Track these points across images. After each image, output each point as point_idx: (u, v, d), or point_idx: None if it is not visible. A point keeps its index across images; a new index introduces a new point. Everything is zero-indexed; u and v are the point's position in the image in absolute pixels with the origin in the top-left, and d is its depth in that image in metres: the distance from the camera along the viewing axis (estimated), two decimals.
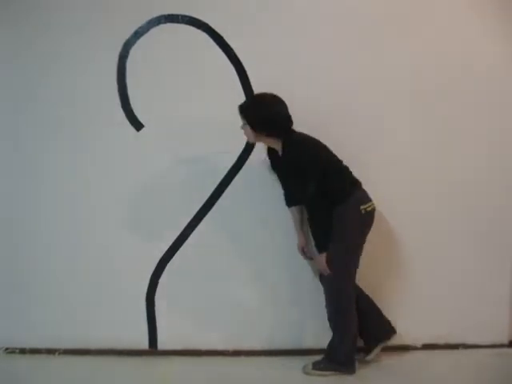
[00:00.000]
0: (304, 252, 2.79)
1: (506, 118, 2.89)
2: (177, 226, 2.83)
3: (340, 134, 2.75)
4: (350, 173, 2.63)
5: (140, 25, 2.74)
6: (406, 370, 2.69)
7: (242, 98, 2.77)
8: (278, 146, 2.60)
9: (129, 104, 2.79)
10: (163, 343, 2.86)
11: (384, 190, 2.83)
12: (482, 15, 2.84)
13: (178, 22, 2.74)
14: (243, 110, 2.56)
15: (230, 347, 2.85)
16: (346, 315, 2.59)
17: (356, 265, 2.61)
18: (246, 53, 2.76)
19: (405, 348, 2.89)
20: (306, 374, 2.61)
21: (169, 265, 2.84)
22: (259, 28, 2.77)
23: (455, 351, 2.91)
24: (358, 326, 2.63)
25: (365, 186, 2.59)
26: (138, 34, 2.75)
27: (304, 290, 2.84)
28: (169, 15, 2.74)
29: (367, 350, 2.71)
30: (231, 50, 2.76)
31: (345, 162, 2.61)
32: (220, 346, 2.85)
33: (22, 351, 2.87)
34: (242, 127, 2.58)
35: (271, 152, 2.71)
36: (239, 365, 2.72)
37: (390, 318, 2.73)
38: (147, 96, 2.78)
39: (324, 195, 2.52)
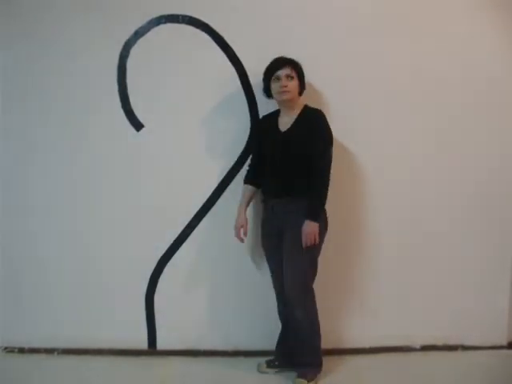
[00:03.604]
0: (240, 232, 2.65)
1: (506, 118, 2.90)
2: (177, 226, 2.83)
3: (339, 132, 2.75)
4: None
5: (140, 25, 2.73)
6: (405, 371, 2.69)
7: (241, 97, 2.78)
8: (295, 109, 2.55)
9: (129, 104, 2.79)
10: (162, 343, 2.86)
11: (384, 191, 2.84)
12: (483, 15, 2.84)
13: (178, 22, 2.74)
14: (295, 62, 2.53)
15: (230, 347, 2.86)
16: (315, 314, 2.51)
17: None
18: (246, 53, 2.76)
19: (403, 349, 2.90)
20: None
21: (168, 265, 2.84)
22: (259, 28, 2.76)
23: (454, 352, 2.91)
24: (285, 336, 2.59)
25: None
26: (138, 34, 2.74)
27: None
28: (169, 15, 2.74)
29: (272, 363, 2.64)
30: (231, 49, 2.76)
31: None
32: (220, 346, 2.86)
33: (21, 351, 2.87)
34: (284, 81, 2.49)
35: (268, 121, 2.64)
36: (239, 365, 2.72)
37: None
38: (147, 96, 2.78)
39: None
